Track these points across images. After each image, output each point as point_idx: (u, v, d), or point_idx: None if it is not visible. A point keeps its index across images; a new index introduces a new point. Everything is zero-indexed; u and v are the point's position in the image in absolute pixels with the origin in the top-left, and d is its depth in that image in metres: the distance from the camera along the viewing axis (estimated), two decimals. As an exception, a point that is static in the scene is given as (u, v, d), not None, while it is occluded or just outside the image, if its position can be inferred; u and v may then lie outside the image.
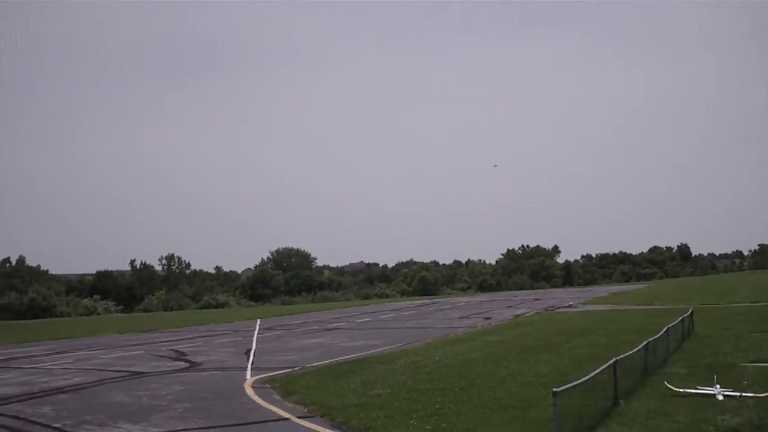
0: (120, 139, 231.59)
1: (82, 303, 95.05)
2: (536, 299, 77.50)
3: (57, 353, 33.42)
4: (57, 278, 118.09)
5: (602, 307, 55.11)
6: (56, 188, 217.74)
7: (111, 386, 21.54)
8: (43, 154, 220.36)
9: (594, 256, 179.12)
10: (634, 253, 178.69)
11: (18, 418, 16.57)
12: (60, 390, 21.01)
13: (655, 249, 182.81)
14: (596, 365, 15.09)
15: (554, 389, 11.13)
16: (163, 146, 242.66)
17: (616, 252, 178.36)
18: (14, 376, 25.03)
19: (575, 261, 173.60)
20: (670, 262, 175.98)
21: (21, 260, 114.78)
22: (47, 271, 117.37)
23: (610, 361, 14.39)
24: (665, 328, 21.71)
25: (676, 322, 24.73)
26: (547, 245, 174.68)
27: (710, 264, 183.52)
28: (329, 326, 46.78)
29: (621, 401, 14.45)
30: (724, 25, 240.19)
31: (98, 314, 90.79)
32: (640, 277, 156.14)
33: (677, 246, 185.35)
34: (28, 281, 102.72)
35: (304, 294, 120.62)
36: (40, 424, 15.79)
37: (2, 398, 19.69)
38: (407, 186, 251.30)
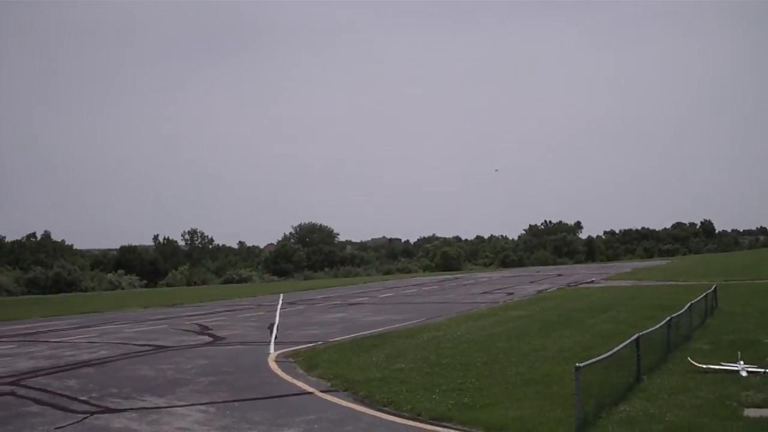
0: (143, 115, 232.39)
1: (107, 278, 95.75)
2: (559, 275, 77.33)
3: (82, 327, 33.70)
4: (81, 253, 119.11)
5: (625, 283, 54.94)
6: (81, 164, 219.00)
7: (136, 360, 21.72)
8: (69, 131, 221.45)
9: (617, 231, 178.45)
10: (657, 229, 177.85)
11: (45, 390, 16.75)
12: (85, 363, 21.20)
13: (678, 225, 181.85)
14: (619, 341, 15.09)
15: (577, 364, 11.13)
16: (186, 122, 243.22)
17: (639, 228, 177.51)
18: (41, 349, 25.27)
19: (598, 237, 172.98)
20: (693, 239, 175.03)
21: (46, 235, 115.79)
22: (72, 246, 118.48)
23: (633, 337, 14.37)
24: (688, 304, 21.62)
25: (699, 298, 24.62)
26: (570, 221, 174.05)
27: (734, 240, 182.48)
28: (352, 301, 46.92)
29: (643, 377, 14.43)
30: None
31: (122, 289, 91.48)
32: (663, 253, 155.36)
33: (700, 222, 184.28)
34: (54, 256, 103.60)
35: (326, 269, 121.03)
36: (67, 396, 15.95)
37: (29, 371, 19.91)
38: (430, 161, 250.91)
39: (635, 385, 13.89)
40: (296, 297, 54.47)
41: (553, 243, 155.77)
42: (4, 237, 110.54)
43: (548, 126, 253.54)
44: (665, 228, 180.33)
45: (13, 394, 16.56)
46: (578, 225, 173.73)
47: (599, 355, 12.62)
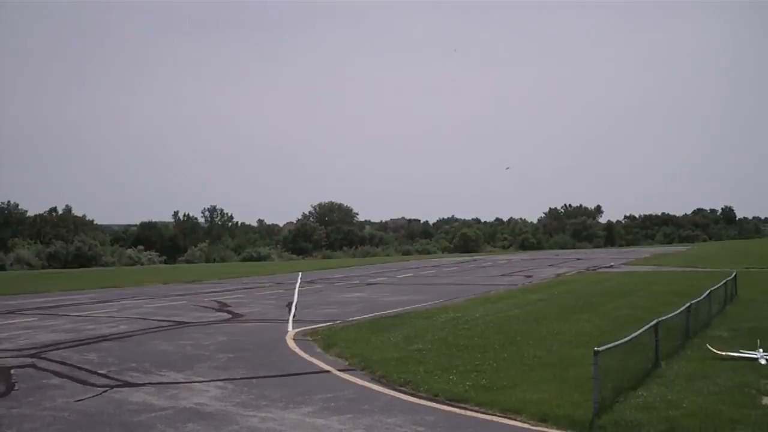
0: (165, 92, 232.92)
1: (127, 253, 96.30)
2: (578, 259, 77.18)
3: (102, 302, 33.92)
4: (102, 228, 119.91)
5: (644, 268, 54.77)
6: (102, 141, 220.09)
7: (155, 335, 21.86)
8: (91, 108, 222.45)
9: (637, 217, 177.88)
10: (677, 215, 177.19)
11: (65, 363, 16.89)
12: (105, 338, 21.36)
13: (699, 211, 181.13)
14: (637, 326, 15.05)
15: (595, 348, 11.12)
16: (208, 101, 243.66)
17: (659, 213, 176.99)
18: (61, 323, 25.46)
19: (617, 222, 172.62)
20: (713, 225, 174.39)
21: (67, 210, 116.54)
22: (93, 221, 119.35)
23: (652, 323, 14.33)
24: (708, 291, 21.54)
25: (719, 285, 24.49)
26: (590, 205, 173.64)
27: (755, 228, 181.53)
28: (370, 281, 46.99)
29: (662, 363, 14.40)
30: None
31: (142, 264, 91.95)
32: (683, 240, 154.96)
33: (721, 209, 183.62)
34: (74, 231, 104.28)
35: (345, 248, 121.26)
36: (86, 370, 16.08)
37: (50, 344, 20.08)
38: (450, 142, 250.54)
39: (653, 370, 13.86)
40: (315, 276, 54.58)
41: (572, 227, 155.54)
42: (26, 211, 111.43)
43: (572, 109, 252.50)
44: (686, 214, 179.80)
45: (33, 366, 16.71)
46: (598, 209, 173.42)
47: (618, 340, 12.60)
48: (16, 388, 14.27)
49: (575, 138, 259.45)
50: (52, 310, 30.26)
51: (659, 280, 40.23)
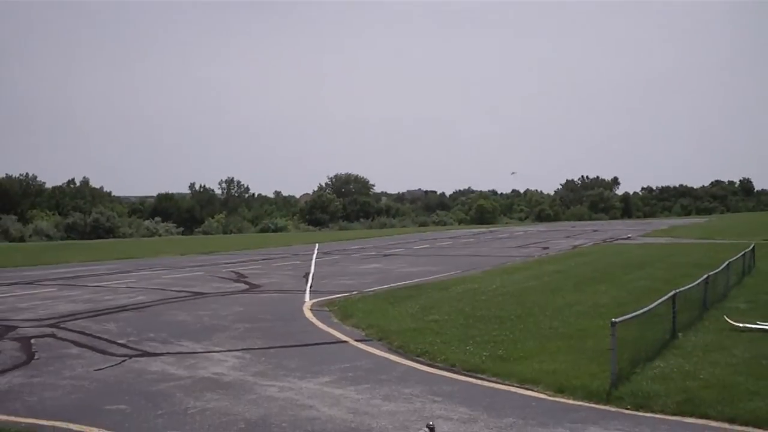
0: (183, 64, 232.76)
1: (144, 224, 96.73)
2: (594, 230, 77.04)
3: (120, 272, 34.14)
4: (119, 200, 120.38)
5: (661, 240, 54.65)
6: (119, 112, 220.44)
7: (173, 305, 21.99)
8: (110, 80, 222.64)
9: (654, 188, 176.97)
10: (695, 187, 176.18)
11: (84, 333, 17.02)
12: (124, 308, 21.51)
13: (717, 183, 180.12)
14: (655, 298, 15.00)
15: (613, 320, 11.09)
16: (225, 72, 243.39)
17: (677, 185, 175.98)
18: (80, 293, 25.63)
19: (635, 193, 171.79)
20: (731, 197, 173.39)
21: (85, 182, 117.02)
22: (110, 192, 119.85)
23: (670, 294, 14.29)
24: (726, 263, 21.47)
25: (737, 256, 24.42)
26: (607, 176, 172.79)
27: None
28: (387, 252, 47.09)
29: (679, 334, 14.37)
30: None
31: (159, 236, 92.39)
32: (701, 211, 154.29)
33: (739, 180, 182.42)
34: (92, 202, 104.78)
35: (361, 220, 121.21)
36: (105, 339, 16.20)
37: (70, 314, 20.23)
38: (467, 114, 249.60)
39: (670, 342, 13.83)
40: (331, 247, 54.73)
41: (589, 198, 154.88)
42: (44, 183, 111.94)
43: (589, 80, 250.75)
44: (703, 186, 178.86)
45: (53, 336, 16.86)
46: (615, 181, 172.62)
47: (635, 311, 12.57)
48: (36, 357, 14.39)
49: (592, 109, 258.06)
50: (71, 280, 30.46)
51: (677, 251, 40.14)
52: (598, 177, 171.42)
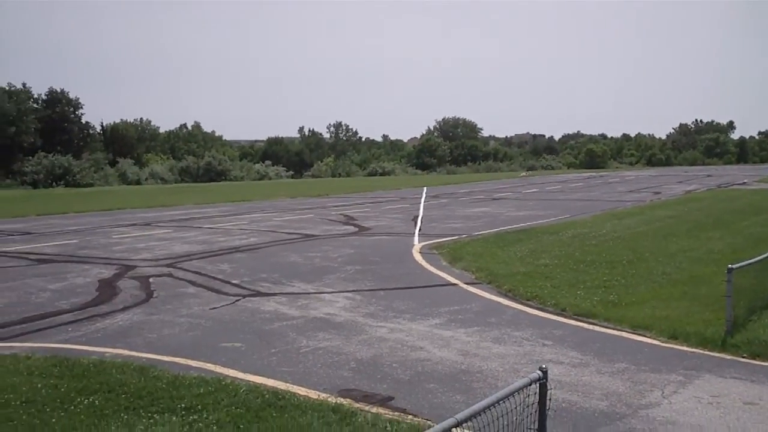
0: (293, 10, 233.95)
1: (254, 168, 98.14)
2: (708, 175, 74.93)
3: (232, 215, 34.79)
4: (230, 144, 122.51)
5: (780, 185, 52.82)
6: (230, 59, 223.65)
7: (284, 247, 22.33)
8: (221, 30, 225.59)
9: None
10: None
11: (200, 273, 17.45)
12: (237, 249, 21.95)
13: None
14: (774, 244, 14.55)
15: (729, 266, 10.77)
16: (335, 17, 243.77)
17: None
18: (195, 234, 26.25)
19: (751, 137, 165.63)
20: None
21: (197, 126, 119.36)
22: (221, 137, 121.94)
23: (790, 240, 13.82)
24: None
25: None
26: (722, 120, 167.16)
27: None
28: (495, 196, 46.81)
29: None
30: None
31: (269, 179, 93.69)
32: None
33: None
34: (204, 146, 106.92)
35: (469, 164, 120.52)
36: (220, 279, 16.59)
37: (185, 255, 20.76)
38: (575, 56, 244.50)
39: (790, 289, 13.40)
40: (439, 191, 54.65)
41: (703, 143, 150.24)
42: (158, 127, 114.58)
43: (700, 18, 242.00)
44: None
45: (170, 275, 17.34)
46: (731, 125, 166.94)
47: (752, 258, 12.17)
48: (155, 295, 14.84)
49: (705, 50, 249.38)
50: (186, 222, 31.21)
51: (797, 196, 38.74)
52: (712, 121, 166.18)
